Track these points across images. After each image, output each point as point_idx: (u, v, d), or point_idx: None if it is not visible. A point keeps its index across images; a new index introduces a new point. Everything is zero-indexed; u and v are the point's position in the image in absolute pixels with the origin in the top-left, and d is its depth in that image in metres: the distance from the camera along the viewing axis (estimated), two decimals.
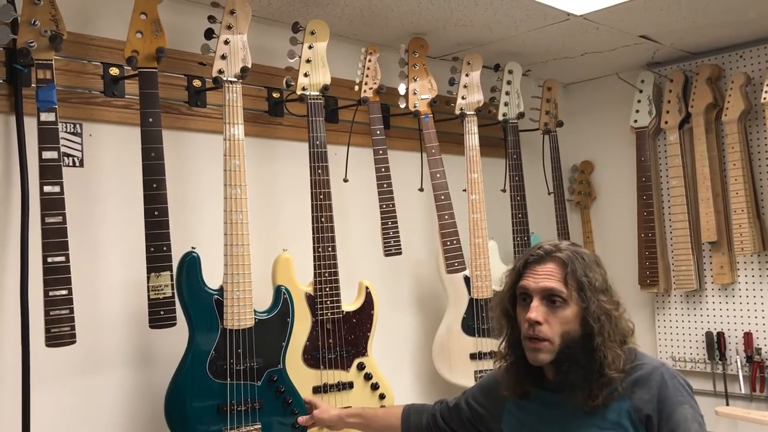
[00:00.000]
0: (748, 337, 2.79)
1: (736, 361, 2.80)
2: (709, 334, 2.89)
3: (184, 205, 2.12)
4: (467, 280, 2.61)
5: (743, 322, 2.83)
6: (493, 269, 2.64)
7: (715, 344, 2.87)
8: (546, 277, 1.46)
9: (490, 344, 2.61)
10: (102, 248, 1.97)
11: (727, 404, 2.76)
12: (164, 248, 1.78)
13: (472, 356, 2.60)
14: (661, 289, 2.99)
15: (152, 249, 1.77)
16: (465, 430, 1.77)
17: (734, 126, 2.73)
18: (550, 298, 1.45)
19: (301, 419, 2.01)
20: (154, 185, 1.78)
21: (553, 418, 1.51)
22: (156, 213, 1.78)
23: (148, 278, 1.78)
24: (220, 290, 1.91)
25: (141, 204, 1.80)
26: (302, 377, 2.09)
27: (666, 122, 2.94)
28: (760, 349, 2.75)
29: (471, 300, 2.61)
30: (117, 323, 1.98)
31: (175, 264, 1.84)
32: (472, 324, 2.61)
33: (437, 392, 2.80)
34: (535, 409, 1.55)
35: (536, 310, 1.45)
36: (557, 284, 1.45)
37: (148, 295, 1.77)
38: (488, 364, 2.60)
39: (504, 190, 2.87)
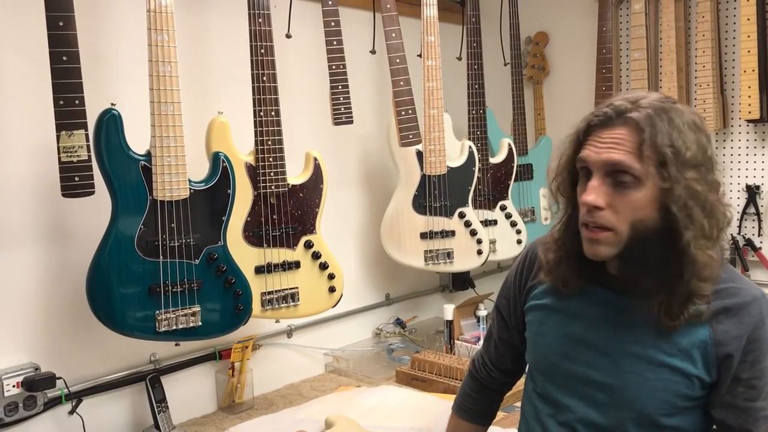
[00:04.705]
0: None
1: None
2: None
3: (100, 58, 1.80)
4: (420, 155, 2.41)
5: None
6: (447, 144, 2.45)
7: None
8: (612, 146, 1.08)
9: (441, 223, 2.47)
10: (1, 103, 1.64)
11: None
12: (76, 101, 1.48)
13: (423, 235, 2.45)
14: None
15: (62, 102, 1.47)
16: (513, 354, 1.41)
17: None
18: (616, 175, 1.08)
19: None
20: (61, 23, 1.45)
21: (605, 324, 1.17)
22: (64, 58, 1.46)
23: (59, 138, 1.48)
24: (148, 155, 1.64)
25: (46, 49, 1.48)
26: (243, 256, 1.88)
27: None
28: None
29: (423, 176, 2.42)
30: (24, 191, 1.70)
31: (91, 123, 1.55)
32: (423, 202, 2.43)
33: (385, 273, 2.67)
34: (580, 307, 1.20)
35: (596, 191, 1.09)
36: (626, 156, 1.06)
37: (59, 158, 1.49)
38: (439, 244, 2.46)
39: (459, 58, 2.63)
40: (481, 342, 1.51)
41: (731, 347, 1.10)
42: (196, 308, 1.74)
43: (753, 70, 2.46)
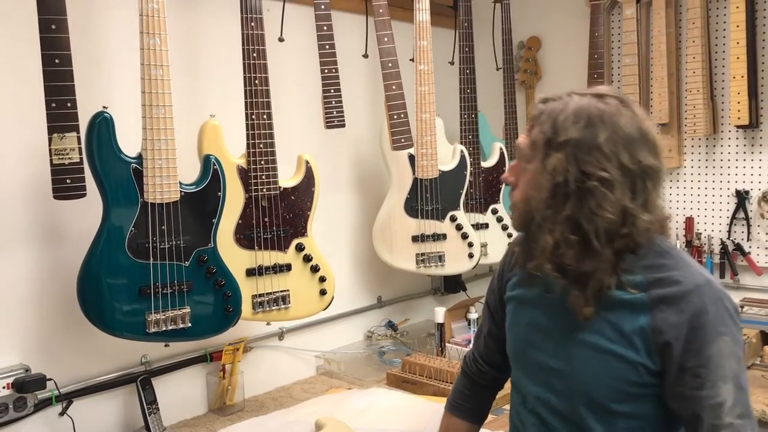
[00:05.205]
0: (689, 221, 2.76)
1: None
2: None
3: (92, 60, 1.81)
4: (412, 158, 2.43)
5: (686, 207, 2.79)
6: (439, 148, 2.46)
7: None
8: (525, 131, 1.23)
9: (433, 226, 2.48)
10: None
11: None
12: (68, 104, 1.49)
13: (415, 239, 2.46)
14: None
15: (54, 105, 1.48)
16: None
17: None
18: (521, 156, 1.21)
19: None
20: (53, 26, 1.46)
21: (559, 313, 1.20)
22: (57, 61, 1.47)
23: (50, 140, 1.49)
24: (139, 158, 1.65)
25: (39, 52, 1.48)
26: (234, 259, 1.88)
27: None
28: (701, 233, 2.73)
29: (415, 180, 2.44)
30: (16, 193, 1.70)
31: (83, 126, 1.56)
32: (415, 205, 2.45)
33: (377, 276, 2.68)
34: (541, 297, 1.25)
35: (509, 170, 1.24)
36: (523, 139, 1.21)
37: (51, 160, 1.49)
38: (431, 247, 2.47)
39: (452, 63, 2.64)
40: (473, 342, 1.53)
41: (669, 335, 1.10)
42: (186, 309, 1.75)
43: (742, 77, 2.48)
